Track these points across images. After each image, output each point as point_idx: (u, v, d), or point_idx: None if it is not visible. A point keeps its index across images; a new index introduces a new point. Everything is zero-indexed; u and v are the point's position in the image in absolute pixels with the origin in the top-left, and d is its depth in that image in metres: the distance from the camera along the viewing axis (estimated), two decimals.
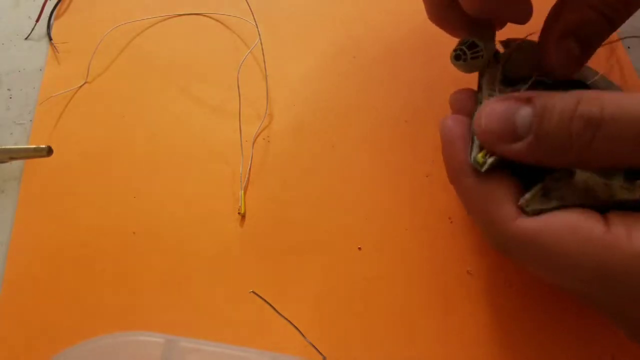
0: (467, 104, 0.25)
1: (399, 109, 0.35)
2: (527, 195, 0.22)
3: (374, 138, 0.34)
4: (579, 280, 0.20)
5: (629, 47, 0.36)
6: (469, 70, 0.27)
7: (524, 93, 0.22)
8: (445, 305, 0.28)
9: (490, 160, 0.22)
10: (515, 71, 0.27)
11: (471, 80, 0.28)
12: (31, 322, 0.28)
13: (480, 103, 0.25)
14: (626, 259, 0.19)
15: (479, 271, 0.29)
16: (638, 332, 0.22)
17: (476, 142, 0.23)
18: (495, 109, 0.22)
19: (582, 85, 0.26)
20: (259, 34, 0.36)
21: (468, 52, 0.26)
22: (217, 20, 0.39)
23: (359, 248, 0.30)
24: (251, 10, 0.36)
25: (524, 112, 0.21)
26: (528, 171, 0.22)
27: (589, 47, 0.23)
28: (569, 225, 0.20)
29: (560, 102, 0.20)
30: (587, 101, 0.19)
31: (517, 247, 0.21)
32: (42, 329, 0.28)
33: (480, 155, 0.22)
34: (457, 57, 0.26)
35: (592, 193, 0.22)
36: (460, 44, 0.26)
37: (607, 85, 0.27)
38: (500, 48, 0.28)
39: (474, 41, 0.26)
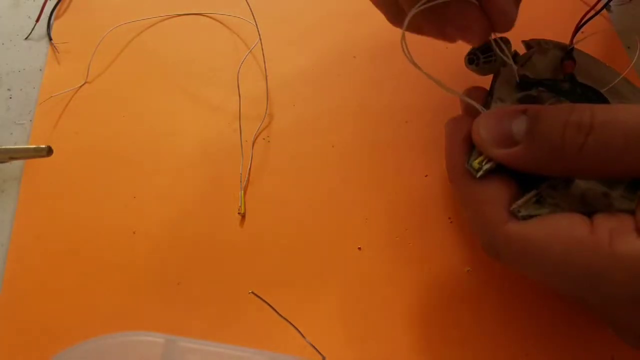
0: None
1: (399, 109, 0.35)
2: (520, 201, 0.22)
3: (374, 138, 0.34)
4: (565, 282, 0.21)
5: (628, 47, 0.36)
6: (482, 73, 0.27)
7: (519, 106, 0.23)
8: (445, 305, 0.28)
9: (486, 166, 0.22)
10: (535, 73, 0.26)
11: (473, 81, 0.28)
12: (31, 322, 0.28)
13: (488, 106, 0.25)
14: (607, 263, 0.19)
15: (479, 271, 0.29)
16: (627, 332, 0.22)
17: (476, 147, 0.23)
18: (492, 117, 0.23)
19: (598, 94, 0.26)
20: (259, 34, 0.36)
21: (481, 56, 0.26)
22: (217, 20, 0.39)
23: (359, 248, 0.30)
24: (251, 10, 0.36)
25: (520, 120, 0.22)
26: (526, 181, 0.22)
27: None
28: (554, 229, 0.20)
29: (554, 111, 0.21)
30: (579, 109, 0.20)
31: (506, 251, 0.22)
32: (42, 329, 0.28)
33: (477, 161, 0.23)
34: (470, 60, 0.26)
35: (589, 202, 0.22)
36: (474, 47, 0.26)
37: (629, 90, 0.27)
38: (521, 48, 0.27)
39: (488, 45, 0.26)
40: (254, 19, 0.36)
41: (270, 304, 0.27)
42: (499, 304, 0.28)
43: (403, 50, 0.24)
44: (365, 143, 0.33)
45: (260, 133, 0.34)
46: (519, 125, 0.21)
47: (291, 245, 0.30)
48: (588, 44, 0.28)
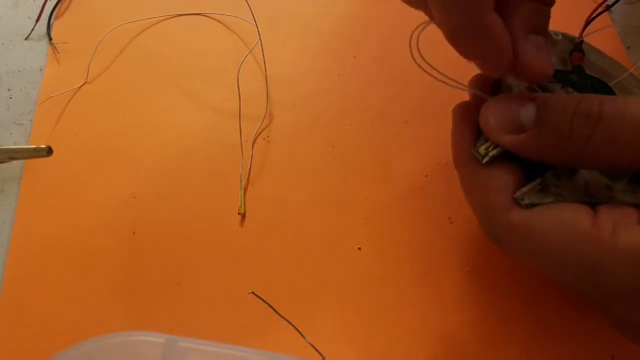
0: (484, 90, 0.25)
1: (399, 109, 0.35)
2: (524, 189, 0.22)
3: (374, 138, 0.34)
4: (566, 272, 0.21)
5: (629, 47, 0.36)
6: None
7: (528, 93, 0.22)
8: (445, 305, 0.28)
9: (492, 152, 0.22)
10: None
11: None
12: (31, 322, 0.28)
13: (497, 93, 0.25)
14: (609, 255, 0.19)
15: (478, 271, 0.29)
16: (624, 325, 0.22)
17: (483, 133, 0.23)
18: (501, 103, 0.23)
19: (605, 86, 0.26)
20: (259, 34, 0.36)
21: None
22: (217, 20, 0.39)
23: (359, 248, 0.30)
24: (251, 10, 0.36)
25: (529, 107, 0.22)
26: (531, 169, 0.22)
27: (545, 35, 0.24)
28: (557, 218, 0.20)
29: (563, 100, 0.21)
30: (588, 99, 0.20)
31: (508, 238, 0.22)
32: (42, 329, 0.28)
33: (483, 147, 0.23)
34: None
35: (592, 193, 0.22)
36: None
37: (635, 85, 0.27)
38: None
39: None
40: (254, 19, 0.36)
41: (270, 304, 0.27)
42: (499, 304, 0.28)
43: (410, 50, 0.23)
44: (365, 143, 0.33)
45: (260, 133, 0.34)
46: (527, 113, 0.21)
47: (291, 245, 0.30)
48: (589, 41, 0.28)
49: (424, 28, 0.23)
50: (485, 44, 0.21)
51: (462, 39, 0.21)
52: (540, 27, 0.23)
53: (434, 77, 0.24)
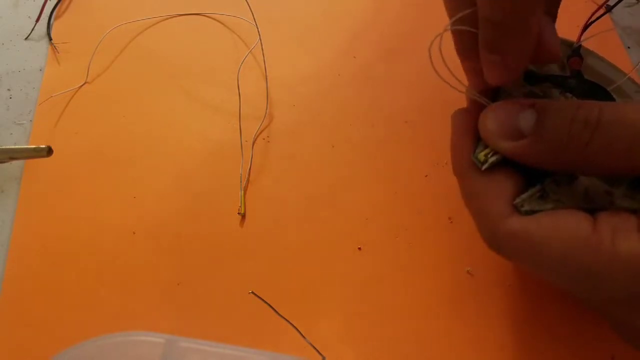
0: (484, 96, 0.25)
1: (399, 109, 0.35)
2: (524, 196, 0.22)
3: (374, 138, 0.34)
4: (566, 279, 0.21)
5: (629, 47, 0.36)
6: None
7: (527, 100, 0.22)
8: (444, 305, 0.28)
9: (491, 159, 0.22)
10: (542, 68, 0.26)
11: None
12: (31, 322, 0.28)
13: (496, 99, 0.25)
14: (609, 262, 0.19)
15: (479, 271, 0.29)
16: (624, 329, 0.22)
17: (482, 140, 0.23)
18: (500, 109, 0.23)
19: (604, 91, 0.26)
20: (259, 34, 0.36)
21: None
22: (217, 20, 0.39)
23: (359, 248, 0.30)
24: (251, 10, 0.36)
25: (528, 114, 0.22)
26: (530, 176, 0.22)
27: (554, 19, 0.25)
28: (556, 225, 0.20)
29: (562, 106, 0.21)
30: (587, 106, 0.20)
31: (507, 245, 0.22)
32: (42, 329, 0.28)
33: (482, 153, 0.23)
34: None
35: (591, 199, 0.22)
36: None
37: (634, 90, 0.27)
38: None
39: None
40: (254, 19, 0.36)
41: (270, 304, 0.27)
42: (499, 304, 0.28)
43: (430, 59, 0.23)
44: (365, 143, 0.33)
45: (260, 133, 0.34)
46: (526, 119, 0.21)
47: (291, 245, 0.30)
48: (589, 44, 0.28)
49: (443, 31, 0.23)
50: (523, 43, 0.21)
51: (504, 35, 0.21)
52: (553, 13, 0.24)
53: (453, 86, 0.24)
